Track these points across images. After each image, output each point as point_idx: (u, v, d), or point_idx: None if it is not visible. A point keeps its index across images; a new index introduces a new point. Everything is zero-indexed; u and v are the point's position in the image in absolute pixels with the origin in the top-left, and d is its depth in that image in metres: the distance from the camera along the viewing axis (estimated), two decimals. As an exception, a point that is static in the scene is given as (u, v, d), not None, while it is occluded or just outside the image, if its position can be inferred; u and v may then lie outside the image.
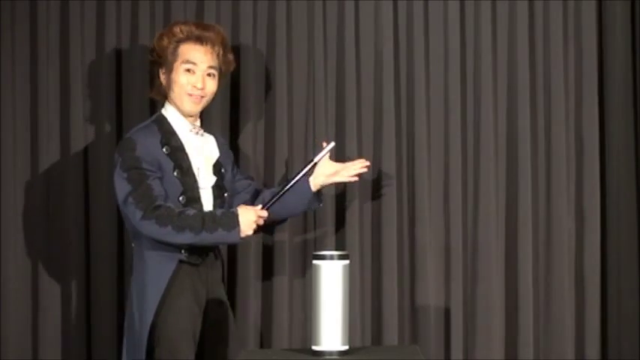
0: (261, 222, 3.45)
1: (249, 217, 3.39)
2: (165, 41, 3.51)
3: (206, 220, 3.35)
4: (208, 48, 3.50)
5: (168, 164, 3.41)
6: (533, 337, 4.04)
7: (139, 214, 3.33)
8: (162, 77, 3.53)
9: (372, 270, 4.05)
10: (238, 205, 3.53)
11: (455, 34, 4.07)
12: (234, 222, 3.36)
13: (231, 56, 3.61)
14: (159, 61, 3.53)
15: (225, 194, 3.57)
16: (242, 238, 3.40)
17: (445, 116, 4.08)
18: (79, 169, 4.06)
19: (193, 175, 3.47)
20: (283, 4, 4.07)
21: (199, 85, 3.48)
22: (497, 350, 4.04)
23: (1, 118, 4.03)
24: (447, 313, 4.03)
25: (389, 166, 4.04)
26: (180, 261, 3.41)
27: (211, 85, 3.52)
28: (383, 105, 4.06)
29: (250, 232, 3.41)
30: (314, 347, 2.87)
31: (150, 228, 3.33)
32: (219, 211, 3.42)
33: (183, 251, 3.41)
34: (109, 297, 4.00)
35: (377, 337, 4.03)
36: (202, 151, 3.54)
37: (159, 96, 3.60)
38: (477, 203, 4.07)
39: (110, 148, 3.93)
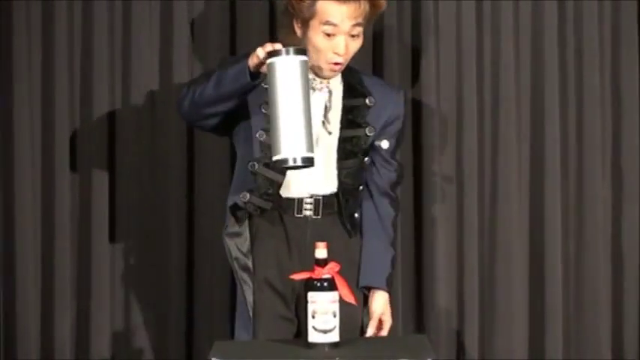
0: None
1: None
2: None
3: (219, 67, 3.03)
4: (352, 2, 3.03)
5: (259, 97, 3.03)
6: (563, 331, 3.78)
7: (180, 99, 3.09)
8: (298, 31, 3.09)
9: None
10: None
11: (471, 35, 3.81)
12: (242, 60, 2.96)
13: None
14: (293, 12, 3.08)
15: (361, 155, 3.12)
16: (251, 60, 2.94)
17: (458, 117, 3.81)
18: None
19: None
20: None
21: (341, 52, 3.04)
22: (520, 350, 3.77)
23: (13, 118, 3.88)
24: (459, 296, 3.77)
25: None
26: (250, 214, 3.07)
27: (354, 47, 3.08)
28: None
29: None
30: (274, 157, 2.74)
31: (184, 101, 3.05)
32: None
33: (242, 195, 3.05)
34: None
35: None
36: (322, 104, 3.11)
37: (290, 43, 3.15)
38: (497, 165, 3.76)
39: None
